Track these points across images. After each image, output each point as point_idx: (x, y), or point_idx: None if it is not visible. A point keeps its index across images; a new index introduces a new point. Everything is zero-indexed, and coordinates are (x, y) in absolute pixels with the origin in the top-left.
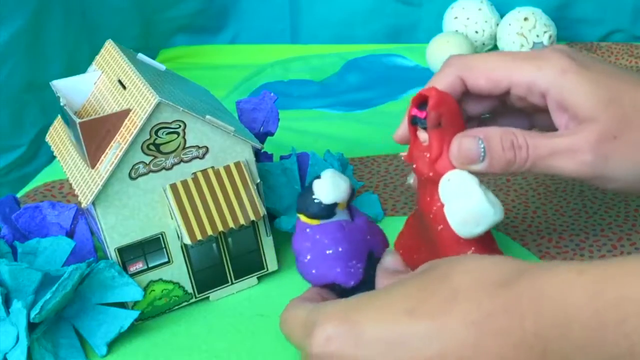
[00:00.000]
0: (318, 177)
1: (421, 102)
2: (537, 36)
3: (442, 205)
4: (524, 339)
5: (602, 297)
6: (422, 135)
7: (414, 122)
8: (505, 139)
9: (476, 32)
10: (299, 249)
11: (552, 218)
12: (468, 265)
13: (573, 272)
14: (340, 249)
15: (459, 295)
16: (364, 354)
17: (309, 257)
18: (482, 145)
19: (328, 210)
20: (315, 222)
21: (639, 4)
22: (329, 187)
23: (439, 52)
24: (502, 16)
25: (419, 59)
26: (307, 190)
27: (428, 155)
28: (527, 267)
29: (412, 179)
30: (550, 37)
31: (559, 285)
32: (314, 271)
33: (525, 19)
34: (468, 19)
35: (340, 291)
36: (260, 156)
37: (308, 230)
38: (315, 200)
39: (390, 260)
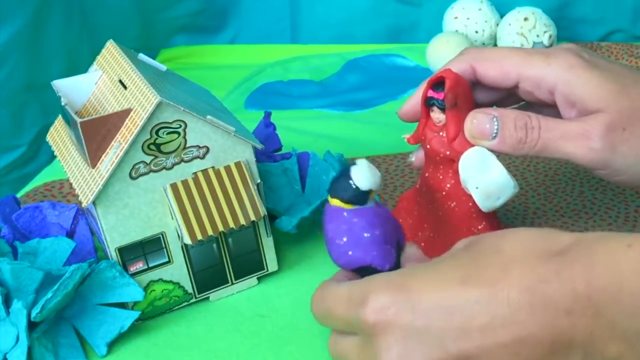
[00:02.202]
0: (354, 163)
1: (436, 83)
2: (537, 36)
3: (457, 183)
4: (577, 302)
5: None
6: (438, 116)
7: (429, 103)
8: (520, 119)
9: (476, 32)
10: (334, 231)
11: (552, 219)
12: (517, 236)
13: (622, 244)
14: (377, 233)
15: (512, 264)
16: (421, 321)
17: (345, 239)
18: (496, 122)
19: (363, 196)
20: (349, 206)
21: (639, 4)
22: (366, 174)
23: (439, 52)
24: (502, 16)
25: (419, 59)
26: (344, 175)
27: (443, 134)
28: (577, 237)
29: (413, 157)
30: (550, 37)
31: (609, 256)
32: (350, 253)
33: (525, 19)
34: (468, 19)
35: (371, 274)
36: (261, 156)
37: (345, 214)
38: (353, 186)
39: (412, 252)
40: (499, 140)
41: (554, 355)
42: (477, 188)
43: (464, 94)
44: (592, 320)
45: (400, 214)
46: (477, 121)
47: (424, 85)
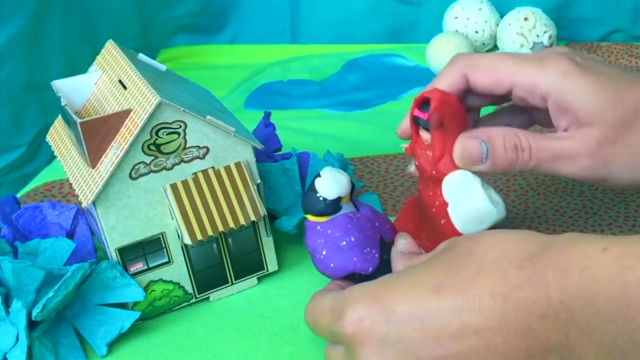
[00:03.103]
0: (318, 175)
1: (423, 102)
2: (537, 36)
3: (444, 202)
4: (550, 308)
5: (625, 275)
6: (425, 135)
7: (416, 122)
8: (509, 141)
9: (476, 32)
10: (313, 246)
11: (552, 218)
12: (491, 240)
13: (597, 248)
14: (352, 239)
15: (484, 269)
16: (396, 332)
17: (324, 252)
18: (485, 147)
19: (333, 206)
20: (323, 219)
21: (639, 4)
22: (330, 183)
23: (439, 52)
24: (502, 16)
25: (419, 59)
26: (310, 190)
27: (430, 153)
28: (550, 241)
29: (412, 167)
30: (550, 37)
31: (583, 262)
32: (332, 265)
33: (525, 19)
34: (468, 19)
35: (360, 280)
36: (261, 156)
37: (319, 227)
38: (320, 198)
39: (403, 243)
40: (489, 164)
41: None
42: (455, 213)
43: (451, 113)
44: (566, 323)
45: (402, 219)
46: (466, 148)
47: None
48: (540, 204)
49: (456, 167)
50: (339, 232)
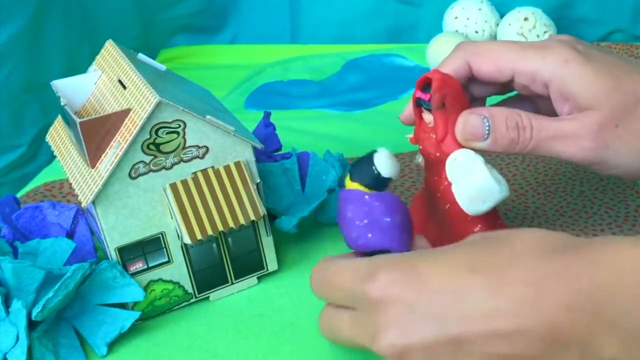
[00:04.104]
0: (375, 150)
1: (425, 84)
2: (537, 36)
3: (449, 184)
4: (578, 299)
5: None
6: (427, 117)
7: (418, 104)
8: (510, 119)
9: (476, 32)
10: (354, 212)
11: (552, 218)
12: (531, 234)
13: (627, 244)
14: (397, 219)
15: (520, 259)
16: (425, 302)
17: (365, 221)
18: (487, 123)
19: (383, 183)
20: (369, 191)
21: (639, 4)
22: (389, 161)
23: (439, 52)
24: (502, 16)
25: (419, 59)
26: (366, 161)
27: (433, 136)
28: (589, 239)
29: (420, 159)
30: (550, 37)
31: (613, 254)
32: (370, 235)
33: (525, 19)
34: (468, 19)
35: None
36: (261, 156)
37: (367, 197)
38: (375, 171)
39: (421, 244)
40: (491, 141)
41: (550, 350)
42: (459, 191)
43: (452, 94)
44: (591, 317)
45: (412, 212)
46: (468, 123)
47: None
48: (540, 203)
49: (459, 147)
50: (385, 208)
